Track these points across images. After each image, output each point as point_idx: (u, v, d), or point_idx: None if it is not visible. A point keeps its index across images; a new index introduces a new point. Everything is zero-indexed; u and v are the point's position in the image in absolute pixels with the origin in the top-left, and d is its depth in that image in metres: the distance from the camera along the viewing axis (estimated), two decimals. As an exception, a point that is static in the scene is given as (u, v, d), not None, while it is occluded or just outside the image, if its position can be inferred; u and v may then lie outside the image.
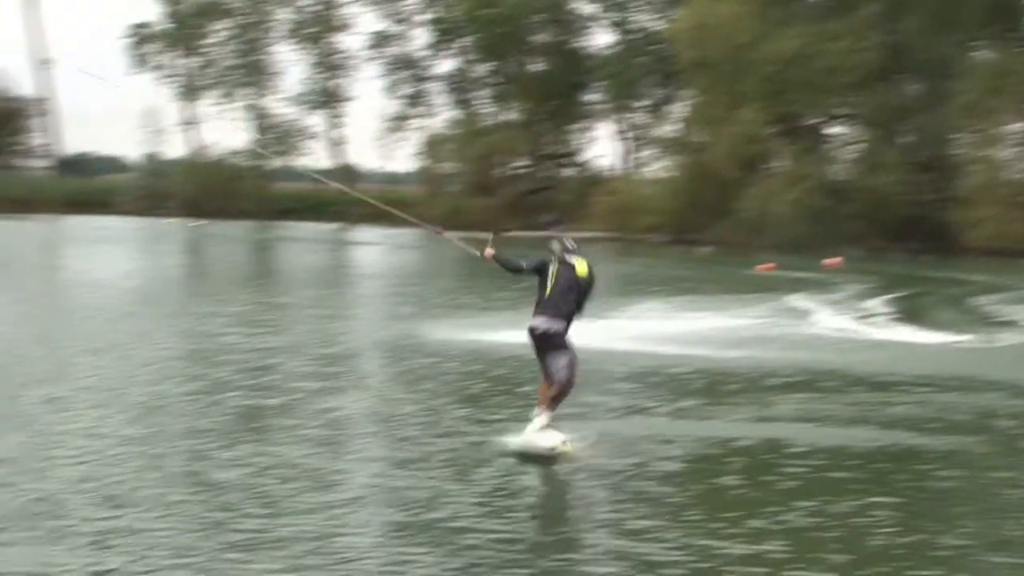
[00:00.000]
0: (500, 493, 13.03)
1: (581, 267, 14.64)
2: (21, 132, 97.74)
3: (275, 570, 9.88)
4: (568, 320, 14.41)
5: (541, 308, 14.44)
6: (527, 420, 14.75)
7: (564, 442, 14.12)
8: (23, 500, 11.94)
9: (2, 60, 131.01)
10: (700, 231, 67.04)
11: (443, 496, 12.54)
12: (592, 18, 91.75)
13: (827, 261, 49.44)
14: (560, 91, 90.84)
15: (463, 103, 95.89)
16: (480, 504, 12.31)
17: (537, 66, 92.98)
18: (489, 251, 14.78)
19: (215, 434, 14.69)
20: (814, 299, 34.89)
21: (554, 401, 14.26)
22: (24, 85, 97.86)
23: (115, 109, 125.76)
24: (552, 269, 14.60)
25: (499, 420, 16.07)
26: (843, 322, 30.06)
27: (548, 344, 14.29)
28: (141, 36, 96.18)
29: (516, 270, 14.82)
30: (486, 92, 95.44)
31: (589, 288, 14.69)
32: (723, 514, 12.11)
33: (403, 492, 12.63)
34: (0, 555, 10.40)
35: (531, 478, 13.85)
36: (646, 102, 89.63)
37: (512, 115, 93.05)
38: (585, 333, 26.07)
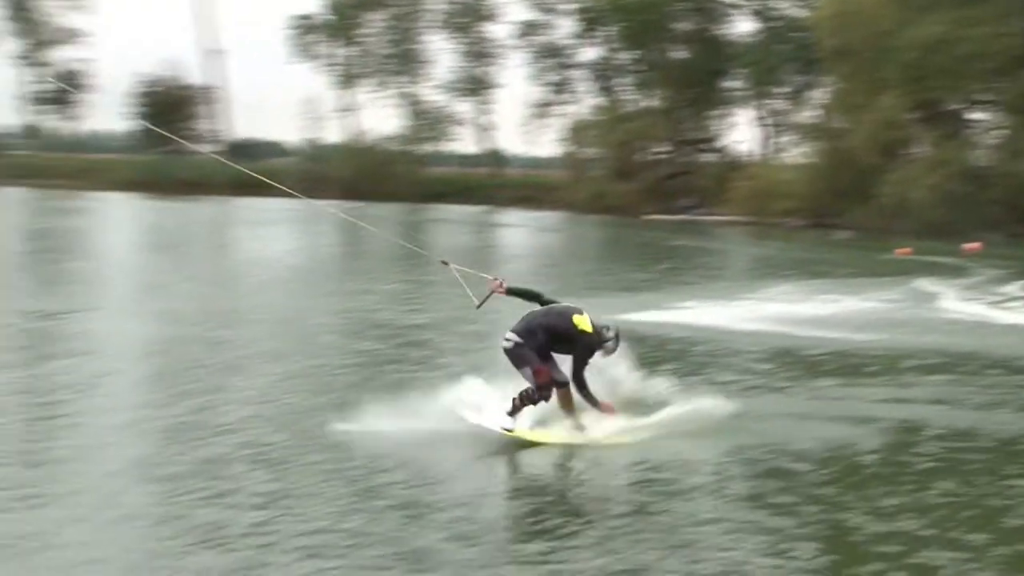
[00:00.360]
0: (639, 466, 13.11)
1: (582, 322, 14.02)
2: (192, 118, 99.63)
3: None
4: (534, 346, 13.82)
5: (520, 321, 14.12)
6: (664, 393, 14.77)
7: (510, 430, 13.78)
8: (195, 459, 12.50)
9: (174, 49, 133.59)
10: (838, 216, 65.93)
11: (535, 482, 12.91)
12: (734, 6, 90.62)
13: (966, 246, 48.26)
14: (701, 78, 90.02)
15: (606, 90, 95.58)
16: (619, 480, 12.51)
17: (679, 54, 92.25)
18: (495, 283, 14.57)
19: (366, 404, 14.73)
20: (951, 283, 34.07)
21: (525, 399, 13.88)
22: (194, 74, 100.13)
23: (279, 97, 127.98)
24: (556, 307, 14.29)
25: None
26: (980, 306, 29.28)
27: (508, 357, 13.95)
28: (303, 27, 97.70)
29: (534, 297, 14.50)
30: (629, 79, 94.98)
31: (579, 342, 13.95)
32: (859, 491, 11.97)
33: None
34: (175, 509, 10.77)
35: (660, 453, 13.61)
36: (786, 89, 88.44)
37: (654, 102, 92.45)
38: (723, 314, 26.16)
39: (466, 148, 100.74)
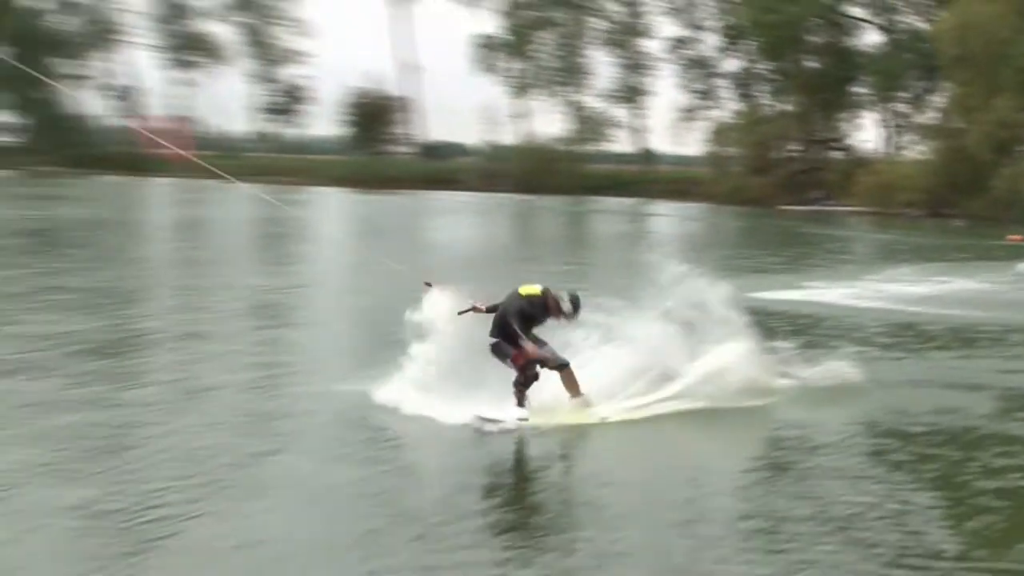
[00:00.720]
0: (773, 425, 13.04)
1: (524, 288, 13.27)
2: (392, 124, 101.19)
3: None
4: (504, 334, 12.97)
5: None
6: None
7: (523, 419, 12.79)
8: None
9: (377, 66, 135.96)
10: (954, 207, 64.06)
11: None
12: (862, 20, 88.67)
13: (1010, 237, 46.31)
14: (831, 85, 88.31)
15: (746, 96, 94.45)
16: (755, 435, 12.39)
17: (812, 63, 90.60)
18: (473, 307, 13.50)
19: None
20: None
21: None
22: (394, 86, 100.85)
23: (464, 105, 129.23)
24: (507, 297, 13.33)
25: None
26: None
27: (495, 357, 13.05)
28: (485, 45, 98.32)
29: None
30: (766, 87, 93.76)
31: (536, 307, 13.08)
32: (970, 451, 11.82)
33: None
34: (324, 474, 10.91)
35: (792, 414, 13.42)
36: (908, 94, 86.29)
37: (788, 106, 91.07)
38: (848, 293, 25.68)
39: (622, 148, 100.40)
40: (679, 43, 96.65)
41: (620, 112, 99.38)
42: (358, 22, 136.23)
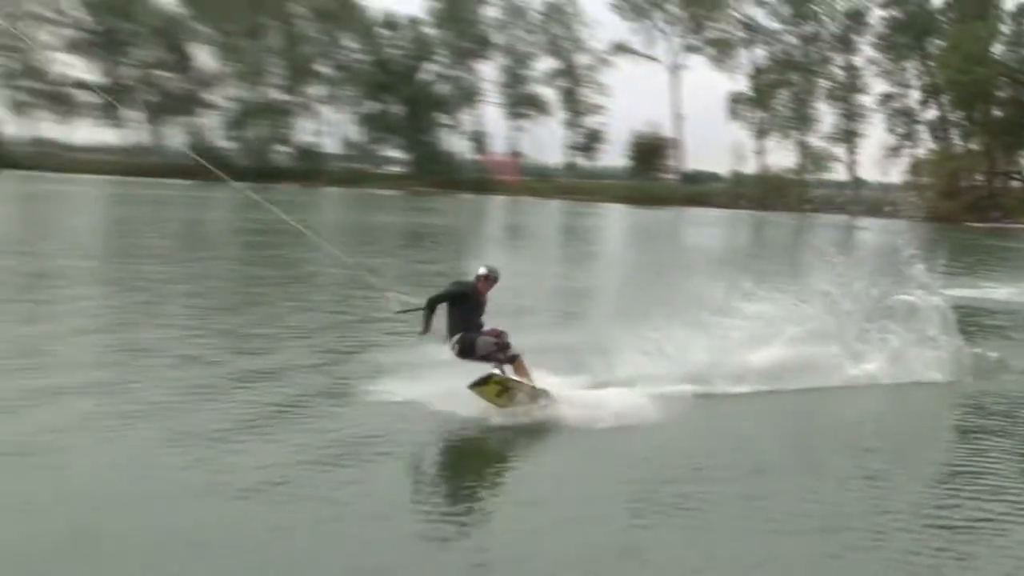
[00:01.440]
0: (950, 404, 11.98)
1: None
2: (663, 158, 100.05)
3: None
4: (453, 334, 10.46)
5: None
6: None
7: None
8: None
9: (653, 114, 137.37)
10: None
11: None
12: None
13: None
14: (1013, 129, 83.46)
15: (940, 138, 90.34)
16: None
17: (996, 112, 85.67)
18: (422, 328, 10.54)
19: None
20: None
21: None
22: (666, 129, 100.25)
23: (716, 143, 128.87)
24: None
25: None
26: None
27: (467, 357, 10.44)
28: (735, 99, 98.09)
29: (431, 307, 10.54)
30: (957, 131, 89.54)
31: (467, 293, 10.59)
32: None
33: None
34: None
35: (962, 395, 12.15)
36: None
37: (975, 145, 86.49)
38: (1012, 291, 23.86)
39: (839, 177, 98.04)
40: (887, 97, 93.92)
41: (838, 149, 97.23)
42: (642, 84, 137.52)
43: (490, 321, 10.73)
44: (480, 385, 10.17)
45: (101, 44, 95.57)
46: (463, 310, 10.41)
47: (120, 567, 6.44)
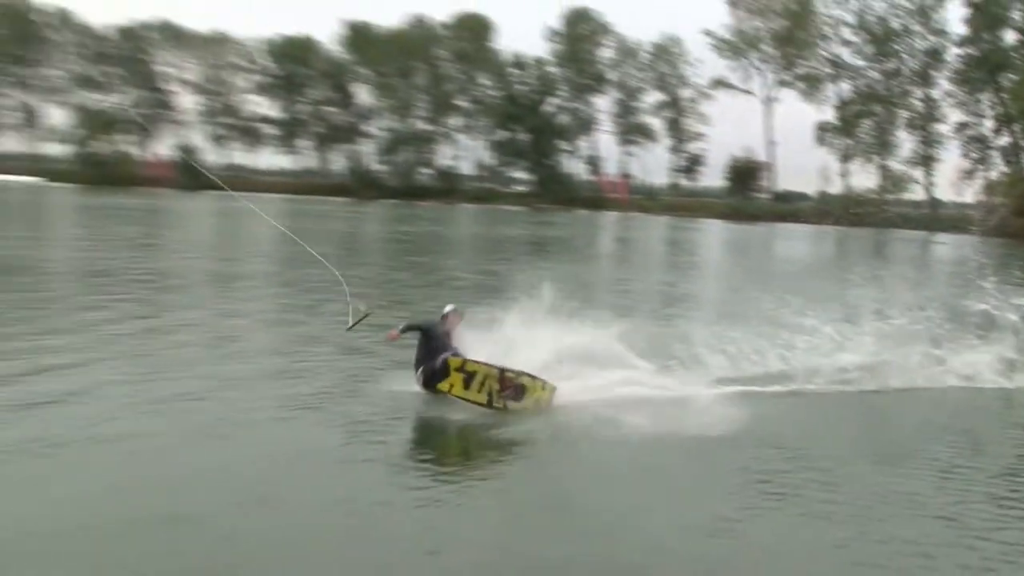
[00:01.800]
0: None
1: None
2: (757, 179, 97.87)
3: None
4: (418, 367, 9.81)
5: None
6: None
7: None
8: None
9: (749, 140, 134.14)
10: None
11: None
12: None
13: None
14: (1084, 154, 77.44)
15: (1012, 162, 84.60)
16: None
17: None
18: (392, 332, 9.98)
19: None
20: None
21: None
22: (760, 154, 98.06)
23: (806, 166, 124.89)
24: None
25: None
26: None
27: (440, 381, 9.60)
28: (823, 128, 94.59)
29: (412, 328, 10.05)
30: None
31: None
32: None
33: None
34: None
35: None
36: None
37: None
38: None
39: (916, 197, 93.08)
40: (963, 126, 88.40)
41: (916, 172, 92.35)
42: (738, 114, 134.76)
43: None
44: (442, 380, 9.41)
45: (282, 86, 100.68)
46: (429, 345, 9.78)
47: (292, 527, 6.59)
